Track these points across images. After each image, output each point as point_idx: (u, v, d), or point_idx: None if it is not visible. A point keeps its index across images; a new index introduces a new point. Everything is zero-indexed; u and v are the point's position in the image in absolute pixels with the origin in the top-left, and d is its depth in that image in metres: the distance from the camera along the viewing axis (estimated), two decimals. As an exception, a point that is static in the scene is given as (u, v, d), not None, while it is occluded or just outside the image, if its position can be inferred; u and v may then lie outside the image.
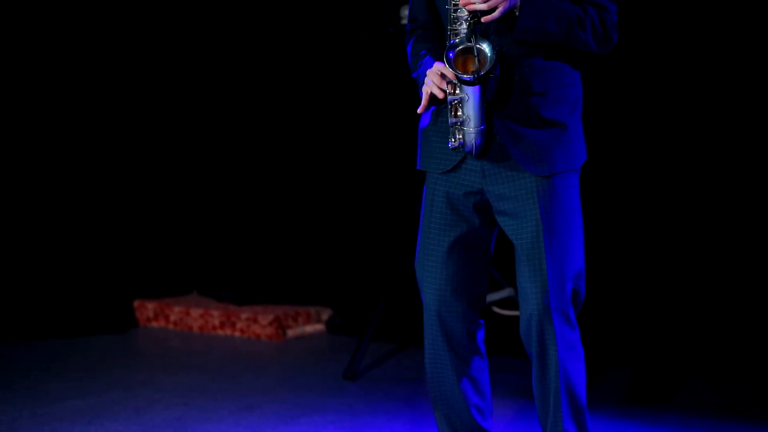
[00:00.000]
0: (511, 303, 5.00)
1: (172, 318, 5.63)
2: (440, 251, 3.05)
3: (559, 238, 2.94)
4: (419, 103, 2.97)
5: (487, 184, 2.98)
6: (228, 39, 5.91)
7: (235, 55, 5.91)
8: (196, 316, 5.58)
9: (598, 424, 3.96)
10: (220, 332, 5.53)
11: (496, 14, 2.82)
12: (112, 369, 4.80)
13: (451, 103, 2.90)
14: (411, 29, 3.14)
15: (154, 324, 5.68)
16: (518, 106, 2.92)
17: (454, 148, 2.94)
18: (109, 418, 4.08)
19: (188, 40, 5.95)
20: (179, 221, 6.05)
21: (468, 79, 2.82)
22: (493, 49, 2.83)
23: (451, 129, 2.92)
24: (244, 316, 5.48)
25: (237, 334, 5.49)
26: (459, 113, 2.90)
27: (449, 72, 2.85)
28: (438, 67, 2.90)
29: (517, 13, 2.86)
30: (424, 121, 3.07)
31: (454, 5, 2.89)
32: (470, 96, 2.86)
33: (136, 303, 5.72)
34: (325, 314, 5.61)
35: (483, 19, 2.82)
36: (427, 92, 2.93)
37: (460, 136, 2.92)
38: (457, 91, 2.88)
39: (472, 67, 2.83)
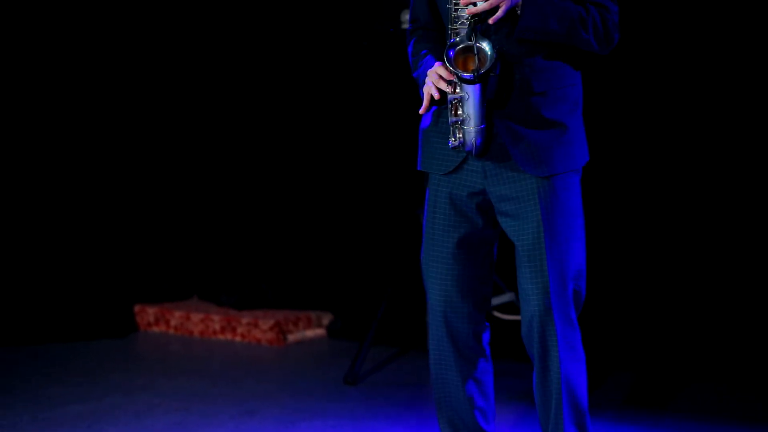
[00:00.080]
0: (511, 307, 4.99)
1: (173, 323, 5.63)
2: (445, 252, 3.05)
3: (559, 238, 2.94)
4: (420, 107, 2.98)
5: (488, 185, 2.98)
6: (230, 46, 5.91)
7: (236, 61, 5.91)
8: (196, 321, 5.58)
9: (599, 428, 3.96)
10: (220, 337, 5.53)
11: (499, 13, 2.82)
12: (113, 374, 4.80)
13: (451, 101, 2.90)
14: (412, 29, 3.15)
15: (155, 329, 5.67)
16: (519, 105, 2.92)
17: (454, 147, 2.94)
18: (109, 422, 4.08)
19: (192, 48, 5.95)
20: (180, 226, 6.05)
21: (468, 78, 2.82)
22: (493, 47, 2.83)
23: (451, 128, 2.92)
24: (244, 320, 5.47)
25: (237, 338, 5.49)
26: (459, 112, 2.90)
27: (449, 71, 2.86)
28: (438, 66, 2.91)
29: (518, 12, 2.86)
30: (425, 122, 3.07)
31: (455, 4, 2.89)
32: (470, 95, 2.86)
33: (136, 308, 5.72)
34: (326, 319, 5.60)
35: (490, 20, 2.83)
36: (427, 92, 2.94)
37: (460, 135, 2.92)
38: (457, 90, 2.88)
39: (472, 66, 2.83)
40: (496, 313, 4.99)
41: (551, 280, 2.93)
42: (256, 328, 5.44)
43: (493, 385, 3.20)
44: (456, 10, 2.89)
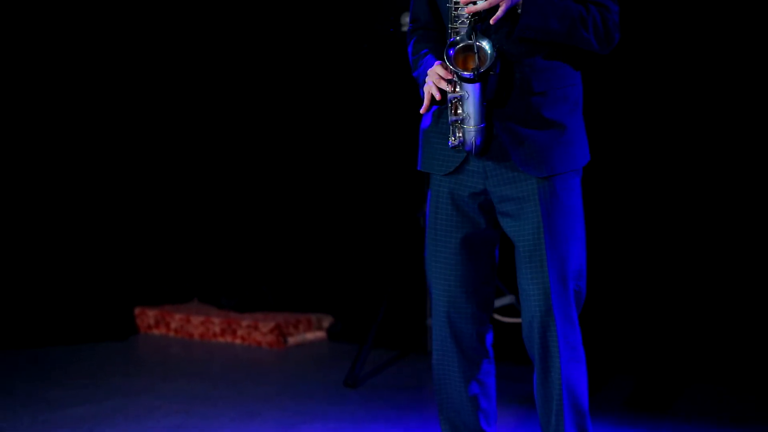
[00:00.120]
0: (511, 310, 4.99)
1: (173, 325, 5.63)
2: (448, 252, 3.05)
3: (560, 238, 2.93)
4: (420, 107, 2.97)
5: (489, 185, 2.98)
6: (230, 48, 5.91)
7: (237, 63, 5.92)
8: (196, 324, 5.58)
9: (600, 430, 3.95)
10: (220, 339, 5.52)
11: (500, 12, 2.82)
12: (113, 376, 4.79)
13: (451, 101, 2.90)
14: (412, 29, 3.15)
15: (155, 331, 5.67)
16: (519, 105, 2.92)
17: (454, 147, 2.94)
18: (109, 425, 4.08)
19: (192, 50, 5.95)
20: (180, 229, 6.05)
21: (468, 77, 2.82)
22: (493, 46, 2.83)
23: (450, 127, 2.92)
24: (244, 323, 5.47)
25: (238, 341, 5.48)
26: (459, 111, 2.90)
27: (449, 69, 2.85)
28: (438, 65, 2.91)
29: (519, 11, 2.86)
30: (425, 123, 3.07)
31: (455, 4, 2.89)
32: (470, 94, 2.86)
33: (137, 310, 5.72)
34: (326, 321, 5.60)
35: (491, 20, 2.83)
36: (428, 92, 2.93)
37: (460, 134, 2.92)
38: (457, 89, 2.88)
39: (472, 65, 2.83)
40: (497, 316, 4.99)
41: (552, 280, 2.93)
42: (256, 331, 5.43)
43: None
44: (456, 9, 2.89)
